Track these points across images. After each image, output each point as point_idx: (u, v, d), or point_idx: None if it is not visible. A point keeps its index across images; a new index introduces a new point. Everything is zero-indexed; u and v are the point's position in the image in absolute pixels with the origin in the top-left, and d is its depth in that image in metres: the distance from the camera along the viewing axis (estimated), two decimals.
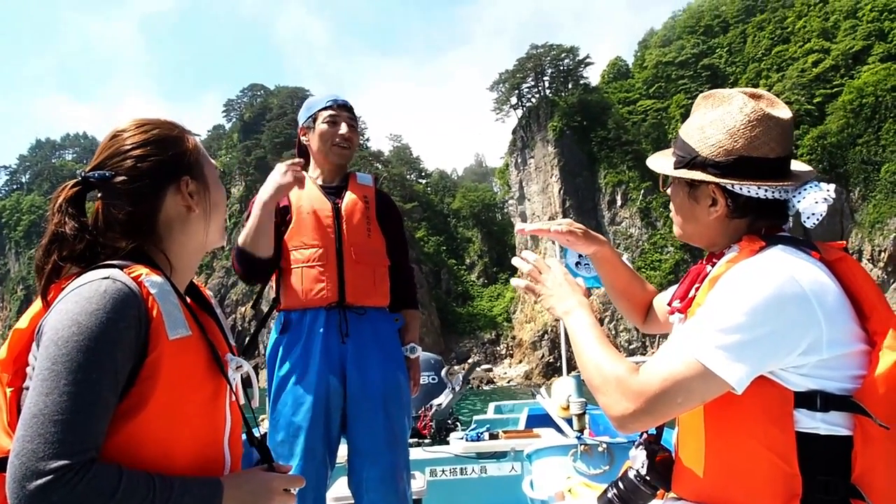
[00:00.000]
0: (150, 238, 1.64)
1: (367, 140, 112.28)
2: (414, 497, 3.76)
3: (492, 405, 10.37)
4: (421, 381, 3.74)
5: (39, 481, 1.26)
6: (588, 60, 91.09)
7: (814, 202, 1.77)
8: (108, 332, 1.37)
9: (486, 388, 67.17)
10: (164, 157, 1.64)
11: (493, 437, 6.39)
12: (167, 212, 1.66)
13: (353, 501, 3.37)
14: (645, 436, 2.03)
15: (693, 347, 1.64)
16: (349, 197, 3.45)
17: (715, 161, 1.83)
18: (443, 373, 8.21)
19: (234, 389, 1.67)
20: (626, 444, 4.93)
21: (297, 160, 3.04)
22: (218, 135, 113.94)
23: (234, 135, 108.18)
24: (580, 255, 2.51)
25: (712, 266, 1.91)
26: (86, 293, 1.40)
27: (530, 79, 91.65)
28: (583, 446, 5.15)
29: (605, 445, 5.14)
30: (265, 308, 3.52)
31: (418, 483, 4.51)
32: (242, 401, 1.74)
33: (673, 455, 1.97)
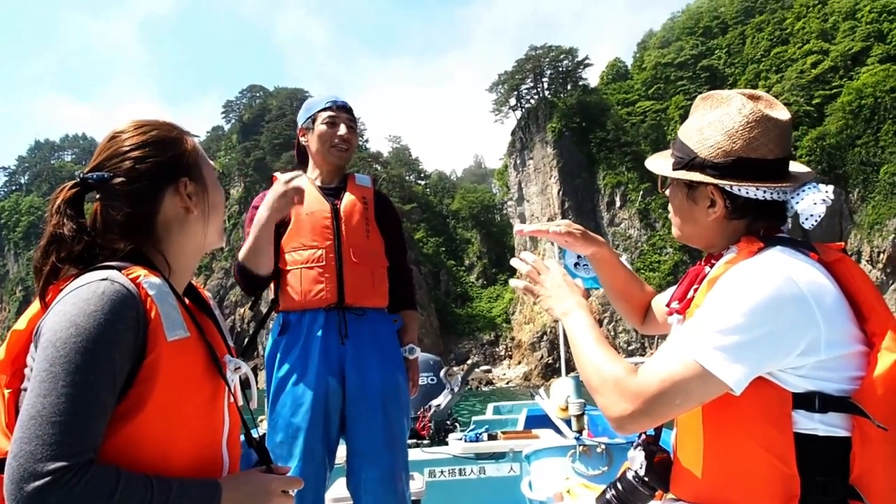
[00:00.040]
0: (148, 239, 1.64)
1: (367, 141, 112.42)
2: (413, 498, 3.76)
3: (490, 406, 10.37)
4: (420, 382, 3.75)
5: (37, 483, 1.26)
6: (587, 62, 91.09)
7: (812, 203, 1.77)
8: (106, 334, 1.37)
9: (484, 389, 67.14)
10: (162, 158, 1.64)
11: (492, 437, 6.39)
12: (165, 213, 1.66)
13: (351, 502, 3.37)
14: (643, 437, 2.03)
15: (691, 348, 1.64)
16: (348, 198, 3.45)
17: (713, 162, 1.83)
18: (441, 374, 8.20)
19: (232, 391, 1.67)
20: (625, 445, 4.93)
21: (295, 173, 3.01)
22: (217, 136, 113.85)
23: (233, 136, 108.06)
24: (579, 256, 2.52)
25: (711, 267, 1.91)
26: (84, 295, 1.40)
27: (529, 80, 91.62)
28: (581, 447, 5.15)
29: (603, 446, 5.14)
30: (264, 309, 3.52)
31: (417, 484, 4.51)
32: (241, 402, 1.74)
33: (671, 456, 1.97)
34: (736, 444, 1.70)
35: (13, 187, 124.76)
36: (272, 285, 3.43)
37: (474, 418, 9.13)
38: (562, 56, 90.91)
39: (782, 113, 1.84)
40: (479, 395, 51.24)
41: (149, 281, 1.50)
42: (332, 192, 3.47)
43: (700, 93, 2.03)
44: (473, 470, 6.09)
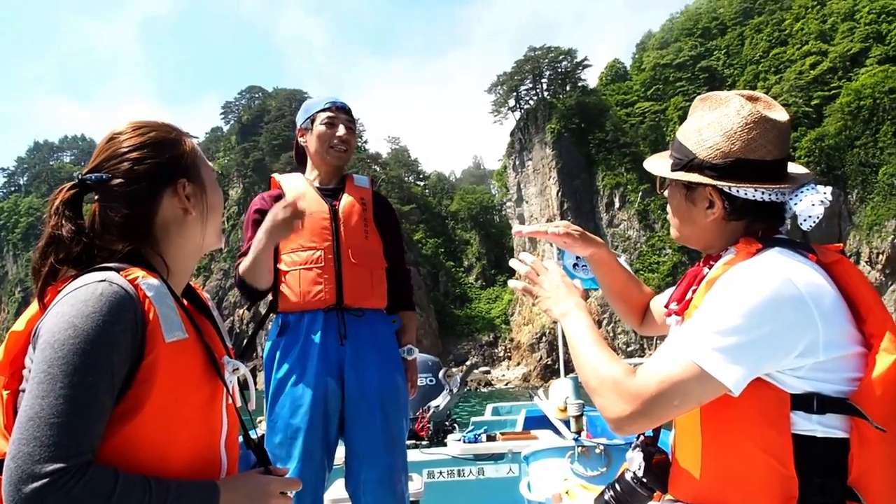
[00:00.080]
0: (146, 241, 1.64)
1: (366, 142, 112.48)
2: (411, 499, 3.77)
3: (489, 407, 10.37)
4: (418, 383, 3.75)
5: (35, 484, 1.26)
6: (586, 63, 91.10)
7: (810, 205, 1.77)
8: (104, 335, 1.37)
9: (483, 390, 67.14)
10: (160, 159, 1.64)
11: (491, 438, 6.39)
12: (164, 214, 1.66)
13: (350, 503, 3.37)
14: (642, 438, 2.03)
15: (690, 349, 1.64)
16: (346, 199, 3.45)
17: (712, 163, 1.83)
18: (440, 374, 8.20)
19: (230, 392, 1.67)
20: (624, 446, 4.94)
21: (295, 198, 2.98)
22: (216, 137, 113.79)
23: (232, 137, 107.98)
24: (577, 257, 2.51)
25: (709, 268, 1.91)
26: (82, 296, 1.41)
27: (528, 81, 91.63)
28: (580, 448, 5.15)
29: (602, 447, 5.15)
30: (263, 310, 3.53)
31: (416, 485, 4.52)
32: (239, 403, 1.74)
33: (670, 457, 1.97)
34: (734, 445, 1.70)
35: (12, 188, 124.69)
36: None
37: (473, 419, 9.14)
38: (561, 57, 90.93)
39: (781, 114, 1.85)
40: (478, 396, 51.29)
41: (147, 282, 1.50)
42: (330, 193, 3.47)
43: (699, 94, 2.03)
44: (472, 471, 6.09)
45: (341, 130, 3.46)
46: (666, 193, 2.05)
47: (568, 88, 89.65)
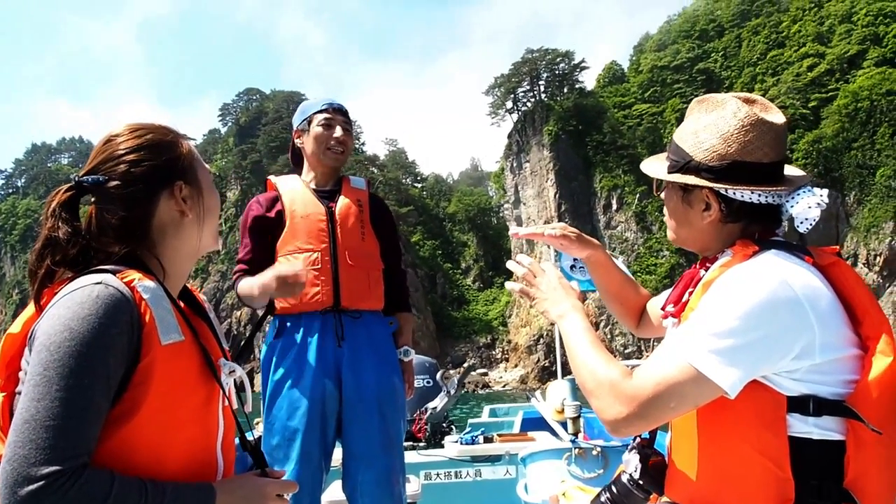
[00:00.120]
0: (143, 243, 1.64)
1: (363, 144, 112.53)
2: (409, 500, 3.77)
3: (487, 408, 10.37)
4: (416, 385, 3.76)
5: (31, 487, 1.26)
6: (583, 65, 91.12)
7: (807, 207, 1.77)
8: (101, 338, 1.37)
9: (481, 391, 67.09)
10: (157, 161, 1.64)
11: (488, 440, 6.40)
12: (160, 217, 1.66)
13: None
14: (638, 440, 2.03)
15: (686, 352, 1.64)
16: (343, 201, 3.45)
17: (709, 165, 1.83)
18: (438, 376, 8.20)
19: (227, 394, 1.67)
20: (621, 448, 4.93)
21: (299, 271, 2.96)
22: (214, 139, 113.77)
23: (230, 139, 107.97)
24: (575, 259, 2.52)
25: (706, 270, 1.91)
26: (78, 298, 1.40)
27: (526, 83, 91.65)
28: (577, 450, 5.15)
29: (599, 449, 5.15)
30: (260, 312, 3.52)
31: (413, 487, 4.52)
32: (235, 405, 1.74)
33: (666, 459, 1.97)
34: (730, 447, 1.70)
35: (10, 190, 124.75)
36: None
37: (470, 421, 9.13)
38: (558, 59, 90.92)
39: (777, 117, 1.85)
40: (476, 397, 51.25)
41: (143, 284, 1.50)
42: (326, 195, 3.47)
43: (696, 96, 2.04)
44: (469, 472, 6.10)
45: (338, 132, 3.46)
46: (663, 195, 2.05)
47: (565, 90, 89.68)
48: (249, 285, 3.13)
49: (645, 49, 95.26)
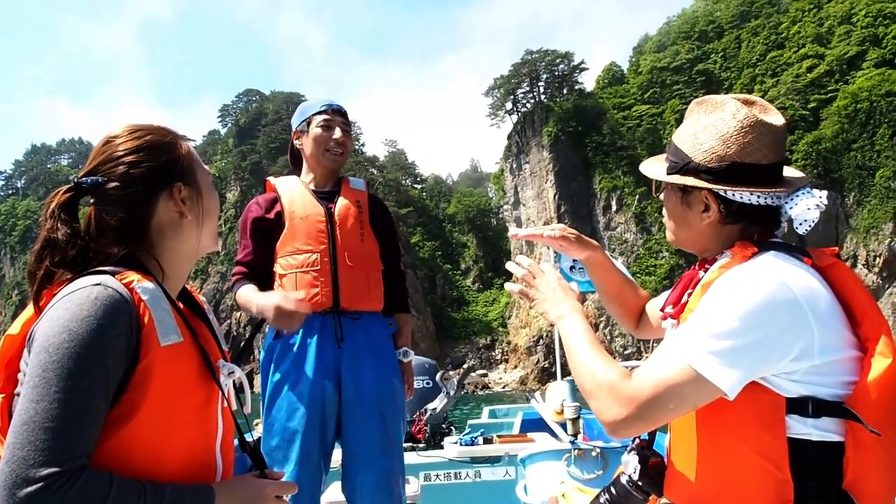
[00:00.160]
0: (142, 244, 1.64)
1: (363, 145, 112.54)
2: (408, 502, 3.77)
3: (486, 409, 10.37)
4: (415, 386, 3.75)
5: (29, 489, 1.26)
6: (583, 66, 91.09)
7: (806, 209, 1.77)
8: (100, 339, 1.37)
9: (480, 392, 67.10)
10: (156, 163, 1.64)
11: (488, 441, 6.40)
12: (159, 218, 1.66)
13: None
14: (637, 441, 2.03)
15: (685, 353, 1.64)
16: (342, 202, 3.45)
17: (708, 167, 1.83)
18: (437, 377, 8.19)
19: (226, 395, 1.67)
20: (620, 449, 4.93)
21: (300, 308, 2.96)
22: (213, 140, 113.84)
23: (230, 140, 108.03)
24: (574, 260, 2.52)
25: (705, 272, 1.91)
26: (77, 300, 1.40)
27: (525, 84, 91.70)
28: (577, 451, 5.15)
29: (598, 450, 5.15)
30: None
31: (412, 488, 4.51)
32: (235, 406, 1.73)
33: (665, 460, 1.97)
34: (729, 448, 1.70)
35: (10, 191, 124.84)
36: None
37: (470, 422, 9.13)
38: (558, 60, 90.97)
39: (776, 118, 1.85)
40: (475, 398, 51.19)
41: (142, 286, 1.49)
42: (326, 196, 3.47)
43: (696, 97, 2.04)
44: (469, 474, 6.10)
45: (337, 133, 3.46)
46: (662, 197, 2.05)
47: (565, 91, 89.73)
48: (247, 300, 3.16)
49: (644, 50, 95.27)
